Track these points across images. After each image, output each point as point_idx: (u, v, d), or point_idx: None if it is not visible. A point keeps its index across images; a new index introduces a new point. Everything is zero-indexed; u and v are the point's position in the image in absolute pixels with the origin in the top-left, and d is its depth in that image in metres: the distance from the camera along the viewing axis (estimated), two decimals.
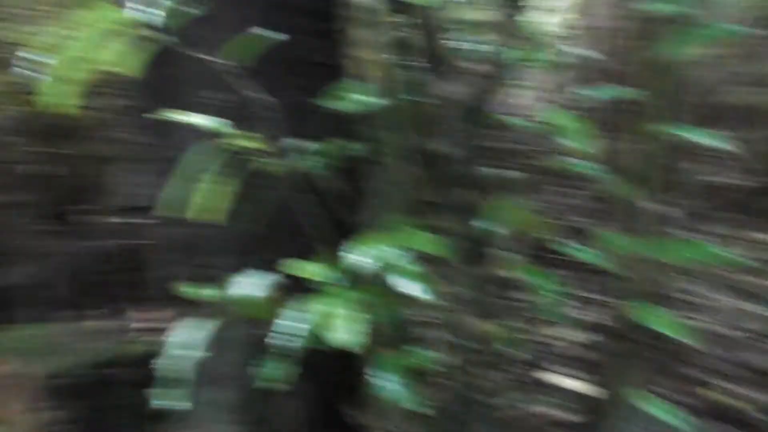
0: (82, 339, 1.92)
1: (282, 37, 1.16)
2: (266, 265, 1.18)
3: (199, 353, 1.07)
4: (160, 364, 1.07)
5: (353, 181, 1.25)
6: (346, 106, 1.13)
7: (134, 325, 2.05)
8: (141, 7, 0.89)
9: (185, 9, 0.98)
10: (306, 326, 0.99)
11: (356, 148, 1.17)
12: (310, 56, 1.44)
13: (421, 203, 1.25)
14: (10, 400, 1.67)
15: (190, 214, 1.07)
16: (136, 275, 2.01)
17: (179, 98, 1.26)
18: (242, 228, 1.27)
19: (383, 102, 1.15)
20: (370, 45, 1.16)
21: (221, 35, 1.35)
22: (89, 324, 2.17)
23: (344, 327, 0.93)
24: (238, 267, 1.32)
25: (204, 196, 1.08)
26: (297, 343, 1.00)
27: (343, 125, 1.22)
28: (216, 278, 1.38)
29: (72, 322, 2.24)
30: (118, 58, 0.85)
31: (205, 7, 1.33)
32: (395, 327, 1.16)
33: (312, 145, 1.17)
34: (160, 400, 1.08)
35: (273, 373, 1.05)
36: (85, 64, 0.81)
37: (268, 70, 1.38)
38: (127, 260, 2.39)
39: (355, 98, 1.12)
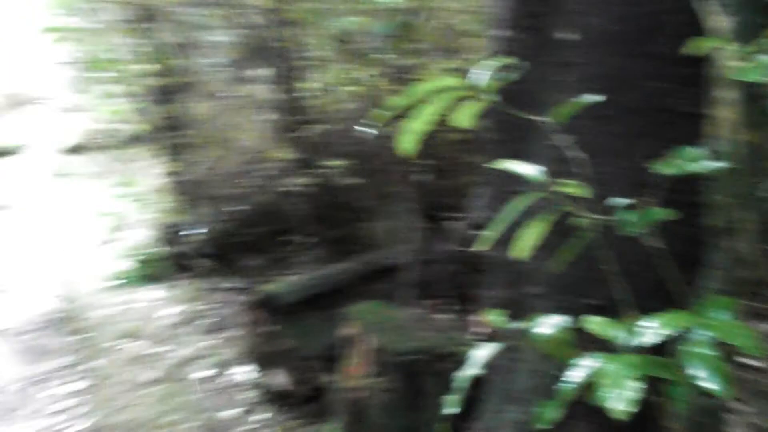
0: (423, 326, 2.21)
1: (599, 97, 1.17)
2: (573, 308, 1.21)
3: (483, 372, 1.17)
4: (457, 377, 1.20)
5: (682, 247, 1.17)
6: (685, 169, 1.07)
7: (472, 329, 2.24)
8: (479, 74, 1.04)
9: (508, 73, 1.08)
10: (584, 378, 1.00)
11: (679, 213, 1.10)
12: (674, 105, 1.39)
13: (760, 286, 1.11)
14: (354, 361, 2.05)
15: (511, 250, 1.17)
16: (477, 283, 2.21)
17: (522, 143, 1.37)
18: (557, 270, 1.32)
19: (731, 167, 1.06)
20: (731, 103, 1.08)
21: (586, 80, 1.41)
22: (433, 315, 2.47)
23: (615, 391, 0.92)
24: (548, 304, 1.39)
25: (524, 234, 1.16)
26: (572, 391, 1.02)
27: (691, 186, 1.16)
28: (528, 309, 1.47)
29: (420, 309, 2.58)
30: (459, 115, 1.02)
31: (565, 55, 1.42)
32: (700, 414, 1.07)
33: (633, 204, 1.15)
34: (449, 407, 1.21)
35: (545, 412, 1.09)
36: (431, 120, 1.01)
37: (630, 118, 1.38)
38: (473, 268, 2.64)
39: (697, 163, 1.06)
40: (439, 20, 3.24)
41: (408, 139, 1.05)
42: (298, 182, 3.85)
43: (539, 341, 1.21)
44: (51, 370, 3.46)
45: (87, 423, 2.84)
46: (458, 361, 1.36)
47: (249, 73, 4.63)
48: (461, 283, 2.64)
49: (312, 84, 4.02)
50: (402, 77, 3.11)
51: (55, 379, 3.37)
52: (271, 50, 3.76)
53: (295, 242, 3.86)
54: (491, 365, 1.69)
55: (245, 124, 4.45)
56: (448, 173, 3.13)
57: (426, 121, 1.02)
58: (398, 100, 1.04)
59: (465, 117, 1.02)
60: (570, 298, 1.43)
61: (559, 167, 1.21)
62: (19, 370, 3.50)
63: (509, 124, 1.39)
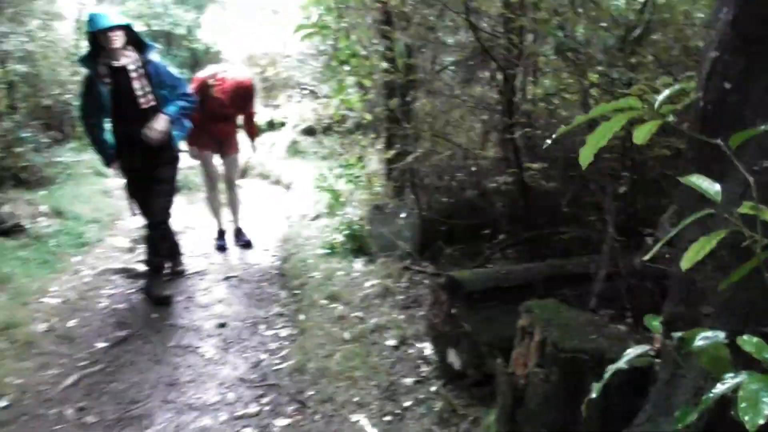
0: (594, 330, 2.21)
1: None
2: (744, 333, 1.20)
3: (625, 367, 1.24)
4: (608, 369, 1.27)
5: None
6: None
7: (654, 344, 2.20)
8: (664, 94, 1.10)
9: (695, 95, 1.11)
10: (725, 391, 1.03)
11: None
12: None
13: None
14: (523, 351, 2.15)
15: (682, 263, 1.20)
16: (659, 298, 2.16)
17: (719, 164, 1.37)
18: (726, 290, 1.31)
19: None
20: None
21: None
22: (609, 324, 2.45)
23: (749, 405, 0.95)
24: (719, 326, 1.37)
25: (693, 248, 1.19)
26: (711, 401, 1.05)
27: None
28: (696, 322, 1.47)
29: (597, 316, 2.58)
30: (638, 133, 1.10)
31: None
32: None
33: None
34: (593, 393, 1.30)
35: (684, 415, 1.13)
36: (608, 136, 1.10)
37: None
38: (657, 284, 2.57)
39: None
40: (667, 35, 3.14)
41: (587, 151, 1.15)
42: (501, 181, 3.99)
43: (696, 353, 1.24)
44: (267, 316, 4.07)
45: (286, 363, 3.32)
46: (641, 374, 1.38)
47: (472, 74, 4.89)
48: (644, 297, 2.59)
49: (530, 89, 4.12)
50: (618, 90, 3.09)
51: (268, 323, 3.96)
52: (496, 55, 3.93)
53: (490, 238, 4.02)
54: (654, 377, 1.70)
55: (461, 122, 4.71)
56: (648, 189, 3.04)
57: (603, 137, 1.12)
58: (582, 118, 1.16)
59: (642, 135, 1.10)
60: (742, 322, 1.40)
61: (750, 191, 1.21)
62: (243, 310, 4.18)
63: (707, 145, 1.40)
